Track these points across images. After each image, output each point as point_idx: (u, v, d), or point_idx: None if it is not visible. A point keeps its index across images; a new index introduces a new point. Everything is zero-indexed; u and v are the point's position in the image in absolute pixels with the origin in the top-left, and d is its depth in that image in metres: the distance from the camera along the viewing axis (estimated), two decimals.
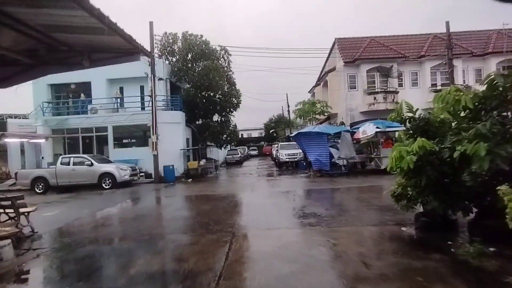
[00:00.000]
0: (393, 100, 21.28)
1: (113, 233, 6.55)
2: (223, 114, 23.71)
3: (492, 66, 21.93)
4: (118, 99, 20.30)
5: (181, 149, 19.48)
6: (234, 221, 7.00)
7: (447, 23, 17.37)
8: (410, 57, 21.86)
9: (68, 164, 15.01)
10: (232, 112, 23.60)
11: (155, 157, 17.57)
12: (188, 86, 22.21)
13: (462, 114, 5.10)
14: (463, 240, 4.84)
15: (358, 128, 16.52)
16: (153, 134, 17.72)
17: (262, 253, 4.71)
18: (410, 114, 6.04)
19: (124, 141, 20.66)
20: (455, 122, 5.26)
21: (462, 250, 4.34)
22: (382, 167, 14.99)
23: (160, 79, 18.28)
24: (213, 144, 25.01)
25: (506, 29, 22.38)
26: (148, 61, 17.58)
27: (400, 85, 22.22)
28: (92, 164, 14.99)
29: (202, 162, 20.76)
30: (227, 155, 33.89)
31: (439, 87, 21.88)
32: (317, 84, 30.58)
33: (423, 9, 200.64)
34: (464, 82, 21.49)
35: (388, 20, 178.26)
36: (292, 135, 17.22)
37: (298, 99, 26.98)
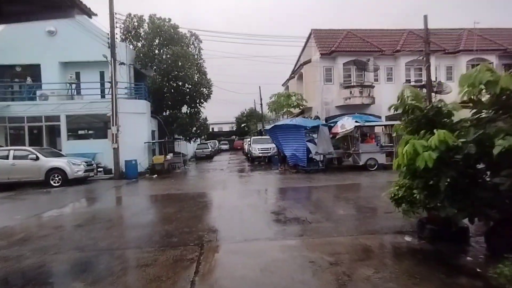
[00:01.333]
0: (369, 94, 20.92)
1: (44, 248, 5.04)
2: (193, 105, 22.11)
3: (462, 64, 22.25)
4: (73, 85, 18.04)
5: (145, 142, 17.73)
6: (203, 229, 5.76)
7: (425, 17, 17.03)
8: (386, 51, 21.55)
9: (7, 157, 12.81)
10: (202, 103, 22.07)
11: (116, 151, 15.73)
12: (154, 73, 20.34)
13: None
14: (485, 256, 3.98)
15: (335, 122, 15.80)
16: (113, 125, 15.83)
17: (241, 281, 3.53)
18: (414, 103, 5.11)
19: (80, 132, 18.44)
20: (474, 111, 4.38)
21: (494, 271, 3.44)
22: (361, 163, 14.41)
23: (121, 63, 16.34)
24: (181, 137, 23.36)
25: (477, 28, 22.84)
26: (108, 43, 15.63)
27: (376, 79, 21.90)
28: (37, 158, 12.91)
29: (169, 156, 19.13)
30: (196, 149, 32.22)
31: (412, 83, 21.94)
32: (291, 77, 29.73)
33: (397, 4, 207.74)
34: (436, 79, 21.56)
35: (363, 14, 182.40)
36: (267, 128, 16.12)
37: (271, 93, 26.00)
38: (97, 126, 18.17)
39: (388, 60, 22.08)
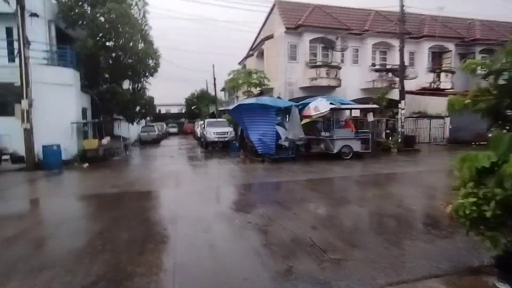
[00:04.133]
0: (335, 76, 19.41)
1: None
2: (136, 79, 18.50)
3: (425, 49, 21.88)
4: None
5: (72, 123, 13.98)
6: (149, 280, 3.24)
7: None
8: (354, 31, 20.12)
9: None
10: (147, 77, 18.54)
11: (27, 133, 11.93)
12: (85, 35, 16.23)
13: None
14: None
15: (305, 103, 13.84)
16: (23, 99, 11.92)
17: None
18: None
19: None
20: None
21: None
22: (335, 151, 12.75)
23: (33, 14, 12.27)
24: (122, 117, 19.66)
25: (439, 16, 22.59)
26: None
27: (342, 61, 20.46)
28: None
29: (106, 140, 15.61)
30: (141, 132, 28.23)
31: (377, 67, 21.02)
32: (249, 55, 27.14)
33: None
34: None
35: None
36: (230, 108, 13.59)
37: (225, 73, 23.25)
38: (2, 100, 13.83)
39: (355, 41, 20.73)
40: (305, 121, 13.43)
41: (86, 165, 12.91)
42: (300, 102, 13.88)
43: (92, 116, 17.03)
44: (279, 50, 20.15)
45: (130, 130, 26.44)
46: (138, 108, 19.42)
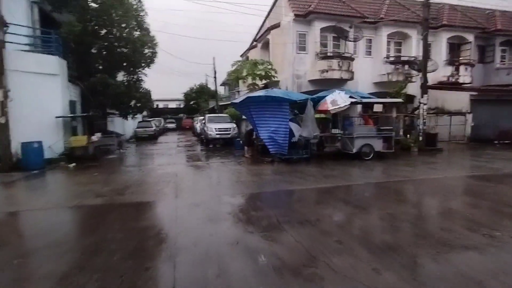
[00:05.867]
0: (348, 68, 17.83)
1: None
2: (131, 70, 16.89)
3: (443, 40, 20.36)
4: None
5: (58, 117, 12.42)
6: None
7: None
8: (369, 18, 18.53)
9: None
10: (144, 68, 16.92)
11: (3, 128, 10.36)
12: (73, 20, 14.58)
13: None
14: None
15: (321, 96, 12.29)
16: None
17: None
18: None
19: None
20: None
21: None
22: (354, 151, 11.26)
23: None
24: (116, 112, 18.09)
25: (458, 5, 21.02)
26: None
27: (354, 52, 18.88)
28: None
29: (96, 137, 14.04)
30: (137, 127, 26.64)
31: (392, 59, 19.46)
32: (253, 46, 25.51)
33: None
34: (416, 59, 19.18)
35: None
36: (236, 101, 12.03)
37: (225, 68, 21.80)
38: None
39: (369, 31, 19.14)
40: (317, 116, 11.93)
41: (72, 165, 11.38)
42: (315, 96, 12.31)
43: (82, 110, 15.45)
44: (286, 40, 18.57)
45: (125, 126, 24.93)
46: (133, 101, 17.83)
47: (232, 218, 5.08)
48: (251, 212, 5.34)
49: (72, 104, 14.04)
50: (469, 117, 17.54)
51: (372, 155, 11.47)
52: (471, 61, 20.37)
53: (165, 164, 11.76)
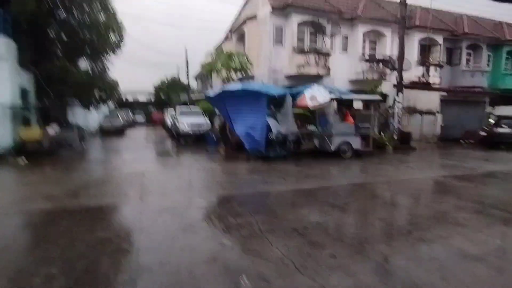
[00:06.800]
0: (325, 64, 17.58)
1: None
2: (95, 57, 15.46)
3: (415, 41, 20.70)
4: None
5: (4, 106, 10.95)
6: None
7: None
8: (345, 15, 18.37)
9: None
10: (109, 54, 15.53)
11: None
12: None
13: None
14: None
15: (299, 91, 11.80)
16: None
17: None
18: None
19: None
20: None
21: None
22: (333, 149, 10.94)
23: None
24: (77, 102, 16.55)
25: (429, 8, 21.45)
26: None
27: (330, 48, 18.66)
28: None
29: (53, 129, 12.63)
30: (103, 120, 24.84)
31: (368, 57, 19.50)
32: (227, 38, 24.63)
33: None
34: (390, 58, 19.35)
35: None
36: (210, 95, 11.22)
37: (197, 61, 20.74)
38: None
39: (345, 28, 19.00)
40: (295, 112, 11.48)
41: (23, 160, 10.06)
42: (294, 90, 11.82)
43: (38, 99, 13.88)
44: (263, 33, 17.95)
45: (89, 119, 23.18)
46: (97, 92, 16.39)
47: (207, 227, 4.41)
48: (229, 218, 4.69)
49: (24, 92, 12.53)
50: (439, 117, 17.99)
51: (350, 153, 11.22)
52: (440, 62, 20.94)
53: (131, 161, 10.75)
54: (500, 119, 15.79)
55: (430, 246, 3.77)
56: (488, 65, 23.13)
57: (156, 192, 6.35)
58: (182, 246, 3.67)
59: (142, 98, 58.90)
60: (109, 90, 17.34)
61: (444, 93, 18.81)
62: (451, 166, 9.85)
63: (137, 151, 13.52)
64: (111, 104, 33.01)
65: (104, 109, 26.54)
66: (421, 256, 3.50)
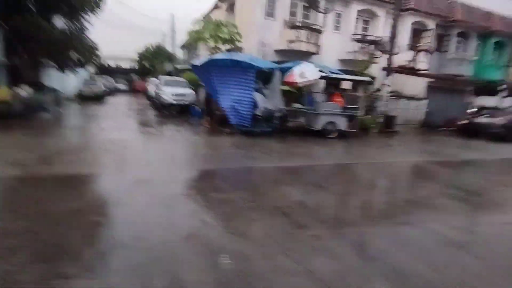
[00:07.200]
0: (316, 41, 17.11)
1: None
2: (72, 15, 14.32)
3: (407, 24, 20.40)
4: None
5: None
6: None
7: None
8: None
9: None
10: (87, 14, 14.42)
11: None
12: None
13: None
14: None
15: (288, 67, 11.43)
16: None
17: None
18: None
19: None
20: None
21: None
22: (318, 127, 10.84)
23: None
24: (52, 63, 15.50)
25: None
26: None
27: (323, 25, 18.13)
28: None
29: (25, 91, 11.81)
30: (82, 85, 23.57)
31: (360, 37, 19.13)
32: (217, 6, 23.48)
33: None
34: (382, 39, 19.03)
35: None
36: (196, 63, 10.70)
37: (185, 29, 19.57)
38: None
39: (339, 5, 18.42)
40: (283, 88, 11.18)
41: None
42: (283, 65, 11.45)
43: (7, 57, 12.84)
44: (255, 3, 17.13)
45: (67, 83, 22.01)
46: (75, 54, 15.36)
47: (188, 201, 4.21)
48: (211, 193, 4.51)
49: None
50: (424, 102, 18.17)
51: (336, 133, 11.16)
52: (431, 48, 20.88)
53: (111, 129, 10.25)
54: (481, 109, 16.11)
55: (412, 230, 3.75)
56: (475, 54, 23.30)
57: (135, 163, 6.05)
58: (160, 222, 3.47)
59: (125, 65, 56.53)
60: (88, 53, 16.30)
61: (431, 79, 18.88)
62: (433, 152, 10.00)
63: (118, 119, 12.94)
64: (91, 69, 31.42)
65: (84, 74, 25.18)
66: (403, 240, 3.47)
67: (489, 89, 20.77)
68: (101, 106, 18.83)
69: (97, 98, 22.77)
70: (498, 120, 14.32)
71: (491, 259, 3.20)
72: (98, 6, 14.30)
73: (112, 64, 55.46)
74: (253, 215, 3.79)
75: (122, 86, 40.22)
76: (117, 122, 12.08)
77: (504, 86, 18.62)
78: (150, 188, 4.59)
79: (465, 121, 16.40)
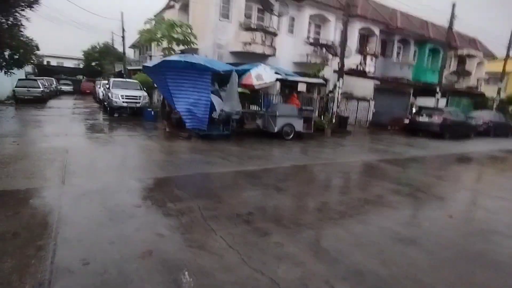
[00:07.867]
0: (271, 43, 17.38)
1: None
2: (4, 9, 12.86)
3: (355, 30, 21.56)
4: None
5: None
6: None
7: None
8: None
9: None
10: (24, 9, 13.08)
11: None
12: None
13: None
14: None
15: (245, 70, 11.43)
16: None
17: None
18: None
19: None
20: None
21: None
22: (276, 130, 10.99)
23: None
24: None
25: None
26: None
27: (277, 28, 18.47)
28: None
29: None
30: (17, 86, 21.24)
31: (313, 41, 19.82)
32: (170, 6, 22.74)
33: None
34: (333, 43, 19.97)
35: None
36: (149, 65, 10.20)
37: (135, 28, 18.71)
38: None
39: (292, 9, 18.91)
40: (240, 90, 11.15)
41: None
42: (239, 67, 11.40)
43: None
44: (209, 4, 16.91)
45: (4, 83, 19.80)
46: (7, 51, 13.81)
47: (142, 213, 3.95)
48: (167, 203, 4.28)
49: None
50: (372, 103, 19.36)
51: (292, 135, 11.39)
52: (376, 53, 22.34)
53: (53, 135, 9.35)
54: (420, 109, 17.59)
55: (366, 228, 3.92)
56: (414, 59, 25.42)
57: (82, 173, 5.55)
58: (111, 238, 3.19)
59: (69, 64, 52.48)
60: (25, 51, 14.76)
61: (377, 82, 20.21)
62: (381, 151, 10.66)
63: (62, 124, 11.87)
64: (29, 69, 28.61)
65: (21, 73, 22.80)
66: (359, 240, 3.60)
67: (427, 90, 22.80)
68: (41, 109, 17.18)
69: (38, 101, 20.75)
70: (436, 120, 15.73)
71: (438, 252, 3.44)
72: (36, 1, 13.01)
73: (54, 63, 51.23)
74: (213, 225, 3.66)
75: (66, 87, 37.25)
76: (62, 127, 11.09)
77: (438, 88, 20.54)
78: (99, 201, 4.23)
79: (408, 121, 17.82)
